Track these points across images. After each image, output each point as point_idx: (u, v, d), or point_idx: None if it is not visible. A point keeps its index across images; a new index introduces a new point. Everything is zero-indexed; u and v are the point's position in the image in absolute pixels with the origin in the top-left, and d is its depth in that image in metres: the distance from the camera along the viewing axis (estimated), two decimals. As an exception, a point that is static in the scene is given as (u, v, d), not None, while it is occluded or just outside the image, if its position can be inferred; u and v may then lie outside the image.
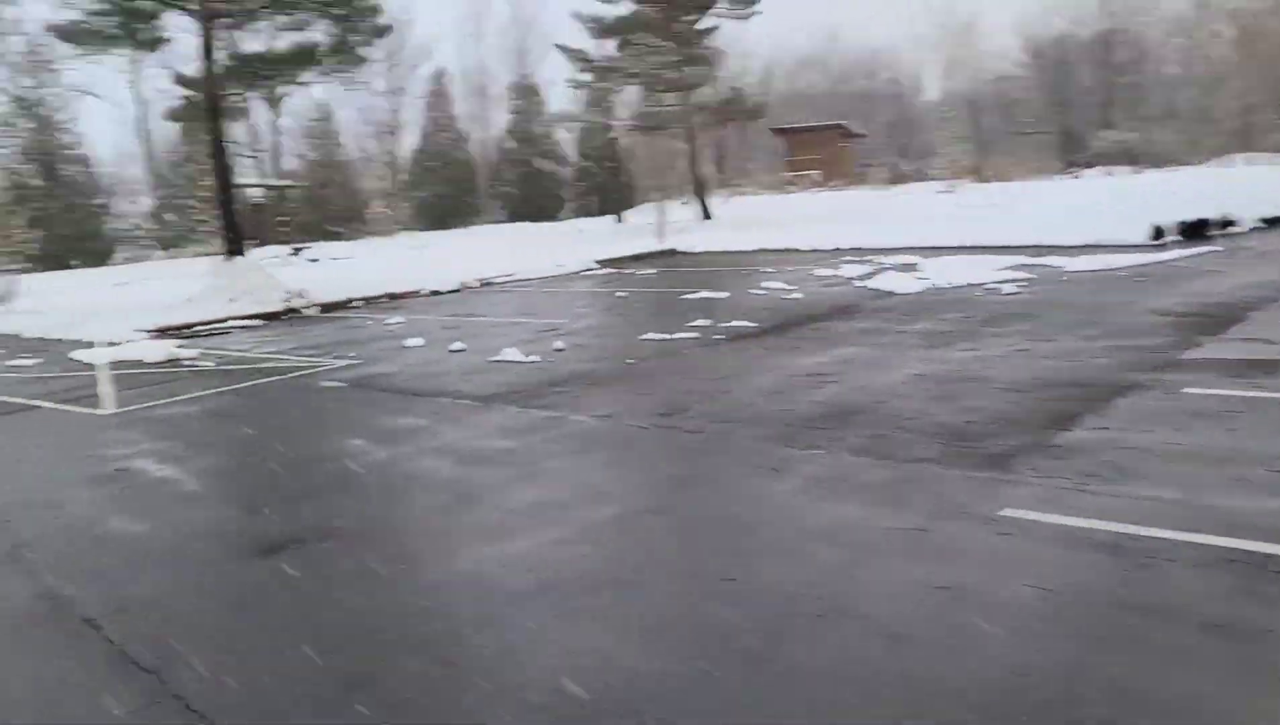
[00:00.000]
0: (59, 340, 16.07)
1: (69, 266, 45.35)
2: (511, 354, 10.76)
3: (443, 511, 5.65)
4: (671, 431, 7.11)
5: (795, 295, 14.50)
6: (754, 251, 24.09)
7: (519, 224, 53.53)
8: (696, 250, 26.36)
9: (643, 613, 4.09)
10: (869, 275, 16.12)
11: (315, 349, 12.98)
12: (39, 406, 10.31)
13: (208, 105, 20.99)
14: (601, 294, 17.73)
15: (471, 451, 6.97)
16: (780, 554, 4.61)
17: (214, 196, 22.91)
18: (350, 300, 18.79)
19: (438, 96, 62.06)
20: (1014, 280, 14.08)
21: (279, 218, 52.27)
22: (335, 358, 11.95)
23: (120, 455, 7.69)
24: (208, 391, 10.37)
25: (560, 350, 11.11)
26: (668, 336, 11.34)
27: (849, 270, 17.20)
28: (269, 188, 54.51)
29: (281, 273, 22.06)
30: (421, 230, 53.56)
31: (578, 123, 57.54)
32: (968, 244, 20.07)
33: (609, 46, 40.72)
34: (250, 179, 52.72)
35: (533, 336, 12.37)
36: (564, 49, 41.25)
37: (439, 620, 4.15)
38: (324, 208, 55.51)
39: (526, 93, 63.18)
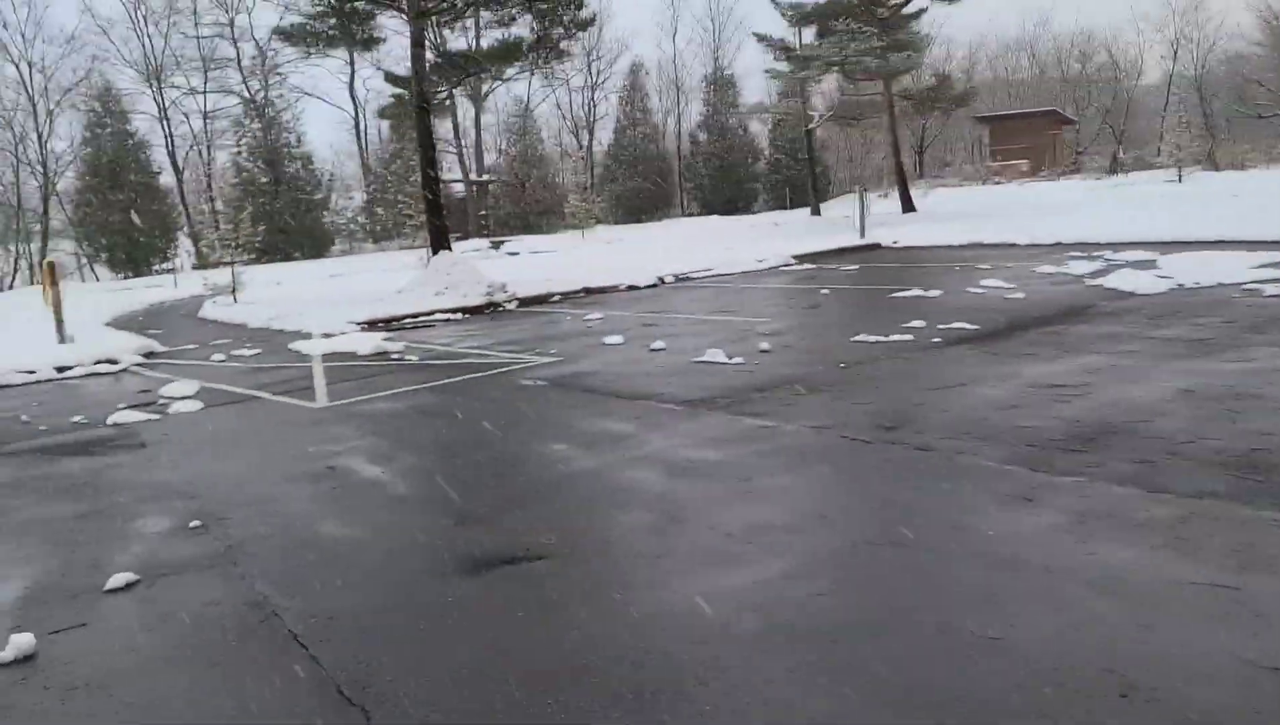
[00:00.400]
0: (280, 331, 16.85)
1: (291, 259, 48.44)
2: (715, 355, 10.30)
3: (654, 532, 5.23)
4: (898, 447, 6.45)
5: (1018, 294, 13.40)
6: (964, 246, 22.78)
7: (712, 217, 53.32)
8: (900, 245, 25.23)
9: (893, 674, 3.50)
10: (1101, 272, 14.76)
11: (516, 344, 12.96)
12: (259, 397, 10.66)
13: (416, 102, 21.60)
14: (803, 291, 17.05)
15: (680, 463, 6.54)
16: (1050, 607, 3.92)
17: (421, 191, 23.61)
18: (549, 295, 18.88)
19: (633, 90, 62.68)
20: (1277, 280, 12.49)
21: (480, 212, 54.05)
22: (536, 354, 11.85)
23: (331, 452, 7.72)
24: (413, 387, 10.43)
25: (766, 351, 10.58)
26: (881, 338, 10.61)
27: (1077, 267, 15.85)
28: (471, 182, 56.44)
29: (482, 266, 22.48)
30: (617, 223, 54.14)
31: (773, 113, 56.68)
32: (1210, 238, 18.19)
33: (808, 34, 39.79)
34: (454, 174, 54.79)
35: (735, 336, 11.90)
36: (762, 38, 40.62)
37: (658, 665, 3.71)
38: (523, 202, 57.01)
39: (721, 84, 62.90)
